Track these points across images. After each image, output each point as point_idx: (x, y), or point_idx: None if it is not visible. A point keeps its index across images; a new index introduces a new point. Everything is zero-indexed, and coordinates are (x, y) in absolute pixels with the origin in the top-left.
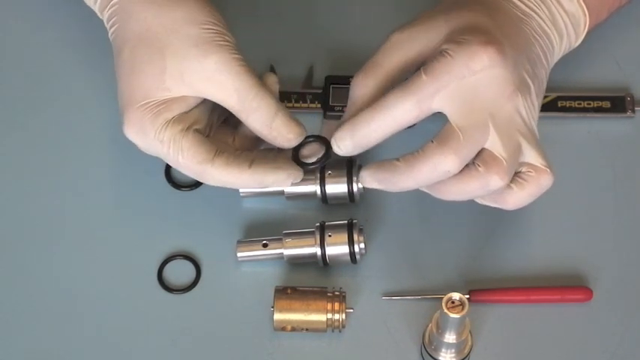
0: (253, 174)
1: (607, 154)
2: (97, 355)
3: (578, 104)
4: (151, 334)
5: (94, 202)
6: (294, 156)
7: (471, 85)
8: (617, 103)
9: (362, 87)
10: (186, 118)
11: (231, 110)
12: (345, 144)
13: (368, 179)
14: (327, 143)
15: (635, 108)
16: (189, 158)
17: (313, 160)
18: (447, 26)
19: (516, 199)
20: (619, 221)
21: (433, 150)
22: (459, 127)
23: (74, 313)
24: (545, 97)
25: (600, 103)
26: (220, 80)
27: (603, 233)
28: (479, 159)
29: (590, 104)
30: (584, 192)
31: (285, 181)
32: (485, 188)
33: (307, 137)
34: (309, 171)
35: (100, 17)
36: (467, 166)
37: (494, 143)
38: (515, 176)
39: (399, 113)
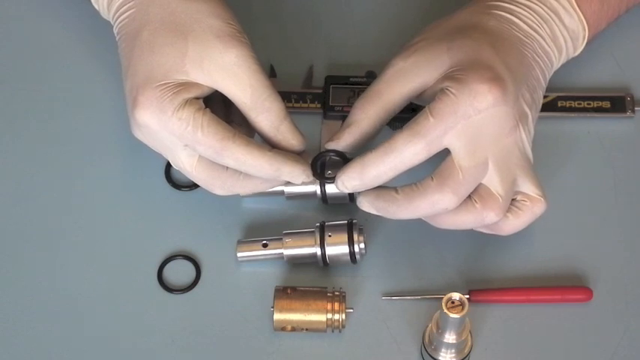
0: (273, 158)
1: (607, 154)
2: (97, 355)
3: (578, 104)
4: (151, 334)
5: (94, 202)
6: (312, 166)
7: (476, 123)
8: (617, 103)
9: (361, 113)
10: (201, 101)
11: (241, 106)
12: (353, 184)
13: (366, 205)
14: (346, 159)
15: (635, 108)
16: (210, 135)
17: (333, 174)
18: (450, 57)
19: (512, 227)
20: (619, 221)
21: (433, 188)
22: (460, 165)
23: (74, 313)
24: (545, 97)
25: (600, 103)
26: (238, 74)
27: (603, 233)
28: (475, 194)
29: (590, 104)
30: (584, 192)
31: (300, 176)
32: (480, 223)
33: (327, 151)
34: (325, 183)
35: (106, 10)
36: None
37: (491, 179)
38: (511, 205)
39: (408, 156)
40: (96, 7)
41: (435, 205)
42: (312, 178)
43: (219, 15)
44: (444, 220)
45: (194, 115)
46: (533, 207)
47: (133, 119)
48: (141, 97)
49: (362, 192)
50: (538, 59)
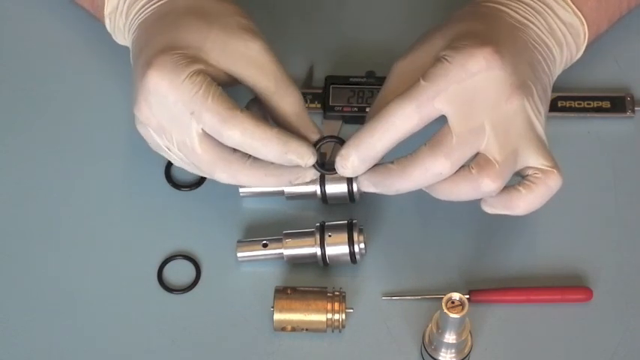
0: (280, 133)
1: (607, 154)
2: (97, 355)
3: (578, 104)
4: (151, 334)
5: (94, 202)
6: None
7: (470, 88)
8: (617, 103)
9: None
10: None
11: (264, 91)
12: (350, 160)
13: (365, 183)
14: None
15: (635, 108)
16: (219, 102)
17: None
18: (443, 38)
19: (526, 202)
20: (619, 221)
21: (425, 153)
22: (454, 131)
23: (74, 313)
24: None
25: (600, 103)
26: (262, 62)
27: (603, 233)
28: (473, 162)
29: (590, 104)
30: (584, 192)
31: (307, 153)
32: (477, 190)
33: (326, 137)
34: (327, 174)
35: (123, 14)
36: (461, 167)
37: (489, 146)
38: (523, 180)
39: (399, 120)
40: (109, 27)
41: (429, 171)
42: (314, 161)
43: (243, 15)
44: (440, 189)
45: (207, 83)
46: (546, 179)
47: (141, 87)
48: (157, 60)
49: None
50: (536, 45)
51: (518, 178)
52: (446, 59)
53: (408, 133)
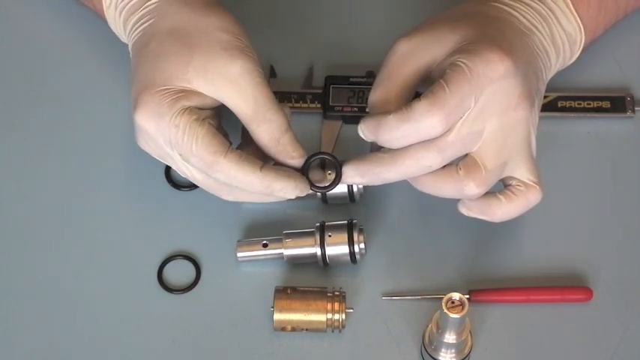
0: (264, 176)
1: (607, 154)
2: (97, 355)
3: (578, 104)
4: (151, 334)
5: (94, 202)
6: (303, 172)
7: (485, 94)
8: (617, 103)
9: (380, 95)
10: (202, 112)
11: (242, 117)
12: (369, 137)
13: (351, 173)
14: (337, 165)
15: (635, 108)
16: (203, 147)
17: (324, 184)
18: (455, 36)
19: (504, 211)
20: (619, 221)
21: (419, 145)
22: (456, 130)
23: (74, 313)
24: (545, 97)
25: (600, 103)
26: (241, 85)
27: (603, 233)
28: (462, 162)
29: (590, 104)
30: (584, 192)
31: (293, 191)
32: (459, 192)
33: (317, 154)
34: (319, 193)
35: (121, 27)
36: (449, 165)
37: (482, 151)
38: (505, 189)
39: (424, 127)
40: (114, 30)
41: (420, 162)
42: (305, 192)
43: (227, 29)
44: (425, 183)
45: (190, 124)
46: (527, 193)
47: (135, 124)
48: (141, 101)
49: (345, 163)
50: (539, 53)
51: (499, 185)
52: (465, 64)
53: (429, 137)
